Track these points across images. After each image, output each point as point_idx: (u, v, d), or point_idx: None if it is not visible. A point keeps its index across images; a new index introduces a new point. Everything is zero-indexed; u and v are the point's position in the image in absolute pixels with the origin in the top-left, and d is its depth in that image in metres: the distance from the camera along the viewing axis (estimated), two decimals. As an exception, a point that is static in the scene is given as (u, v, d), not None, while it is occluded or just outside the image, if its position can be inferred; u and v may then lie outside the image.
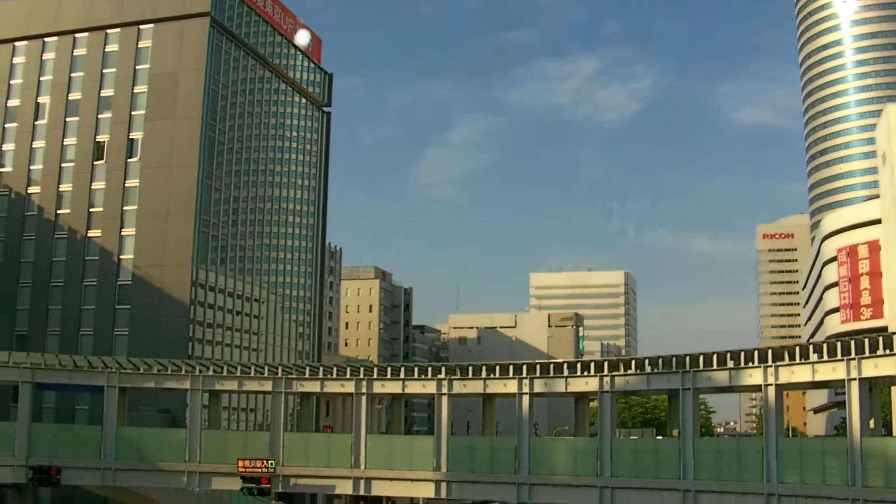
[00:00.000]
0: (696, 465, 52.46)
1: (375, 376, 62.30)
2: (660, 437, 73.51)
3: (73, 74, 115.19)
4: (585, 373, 58.40)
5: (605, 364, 58.88)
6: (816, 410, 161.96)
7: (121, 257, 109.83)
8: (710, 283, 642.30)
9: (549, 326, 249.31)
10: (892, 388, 75.45)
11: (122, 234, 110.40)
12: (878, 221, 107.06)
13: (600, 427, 56.76)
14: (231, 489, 63.38)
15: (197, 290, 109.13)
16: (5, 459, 59.04)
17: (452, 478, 58.62)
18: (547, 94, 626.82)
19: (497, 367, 60.70)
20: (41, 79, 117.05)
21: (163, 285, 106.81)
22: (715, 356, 54.08)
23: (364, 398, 60.74)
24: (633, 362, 58.54)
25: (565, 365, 60.51)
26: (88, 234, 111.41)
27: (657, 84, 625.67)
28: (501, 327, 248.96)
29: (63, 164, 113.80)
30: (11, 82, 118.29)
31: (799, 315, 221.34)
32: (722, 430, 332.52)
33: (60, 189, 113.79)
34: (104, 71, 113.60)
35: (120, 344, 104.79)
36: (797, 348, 52.07)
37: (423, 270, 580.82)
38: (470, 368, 61.97)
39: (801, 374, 50.59)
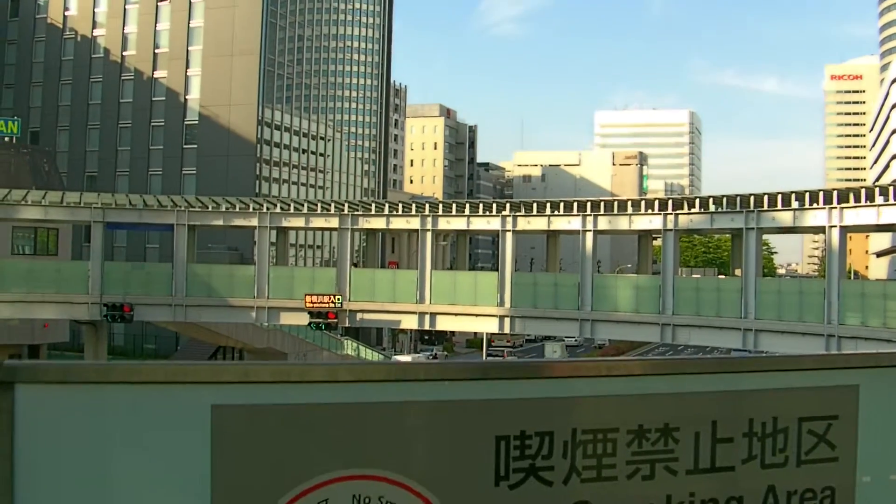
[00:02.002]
0: (757, 304, 52.41)
1: (440, 212, 62.61)
2: (722, 277, 73.59)
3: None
4: (649, 211, 58.31)
5: (669, 202, 58.74)
6: (879, 254, 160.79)
7: (187, 98, 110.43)
8: (776, 124, 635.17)
9: (613, 165, 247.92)
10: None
11: (188, 74, 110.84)
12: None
13: (663, 265, 56.93)
14: (299, 324, 64.59)
15: (263, 129, 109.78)
16: (80, 297, 60.19)
17: (515, 313, 59.20)
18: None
19: (561, 204, 60.78)
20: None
21: (229, 124, 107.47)
22: (779, 196, 53.69)
23: (429, 234, 61.14)
24: (697, 201, 58.40)
25: (629, 202, 60.52)
26: (155, 76, 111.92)
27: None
28: (565, 165, 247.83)
29: (127, 6, 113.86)
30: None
31: (865, 158, 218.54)
32: (784, 271, 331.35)
33: (125, 31, 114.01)
34: None
35: (188, 183, 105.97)
36: (862, 190, 51.51)
37: (488, 109, 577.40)
38: (534, 205, 62.06)
39: (865, 216, 50.21)
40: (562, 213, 59.87)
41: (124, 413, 2.77)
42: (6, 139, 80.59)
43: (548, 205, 60.99)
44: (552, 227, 60.59)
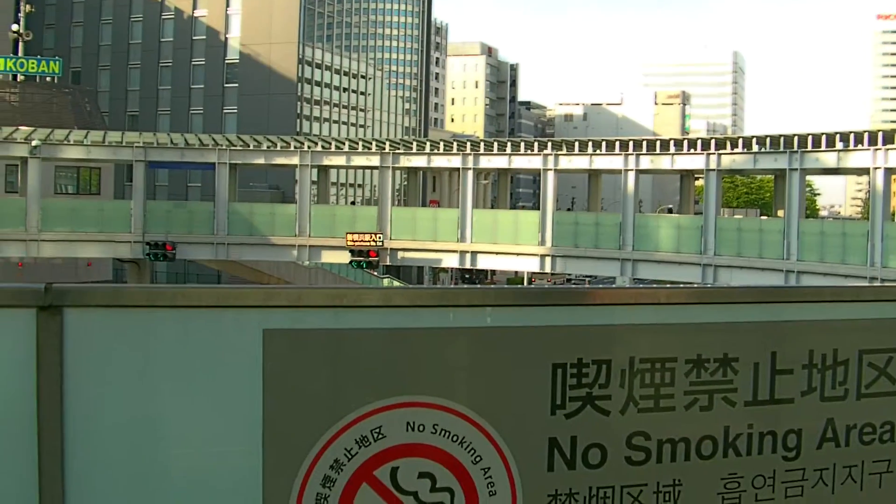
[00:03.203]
0: (799, 246, 52.14)
1: (482, 151, 62.56)
2: (764, 217, 73.25)
3: None
4: (691, 150, 58.05)
5: (712, 142, 58.43)
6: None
7: (227, 36, 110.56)
8: (821, 65, 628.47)
9: (656, 104, 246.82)
10: None
11: (228, 13, 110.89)
12: None
13: (705, 205, 56.69)
14: (340, 262, 64.84)
15: (304, 68, 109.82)
16: (123, 236, 60.66)
17: (556, 252, 59.24)
18: None
19: (603, 143, 60.58)
20: None
21: (270, 63, 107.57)
22: (824, 136, 53.30)
23: (470, 173, 61.14)
24: (741, 141, 58.03)
25: (671, 142, 60.19)
26: (195, 14, 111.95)
27: None
28: (607, 104, 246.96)
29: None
30: None
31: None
32: (826, 213, 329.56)
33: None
34: None
35: (229, 122, 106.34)
36: (908, 130, 51.11)
37: (531, 48, 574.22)
38: (576, 144, 61.94)
39: (911, 157, 49.82)
40: (603, 152, 59.66)
41: (174, 337, 2.73)
42: (48, 79, 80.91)
43: (589, 144, 60.79)
44: (594, 167, 60.45)
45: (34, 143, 58.58)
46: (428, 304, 2.94)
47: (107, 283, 74.20)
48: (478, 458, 2.97)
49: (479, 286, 3.36)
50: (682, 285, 3.01)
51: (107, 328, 2.70)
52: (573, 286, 2.90)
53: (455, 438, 2.93)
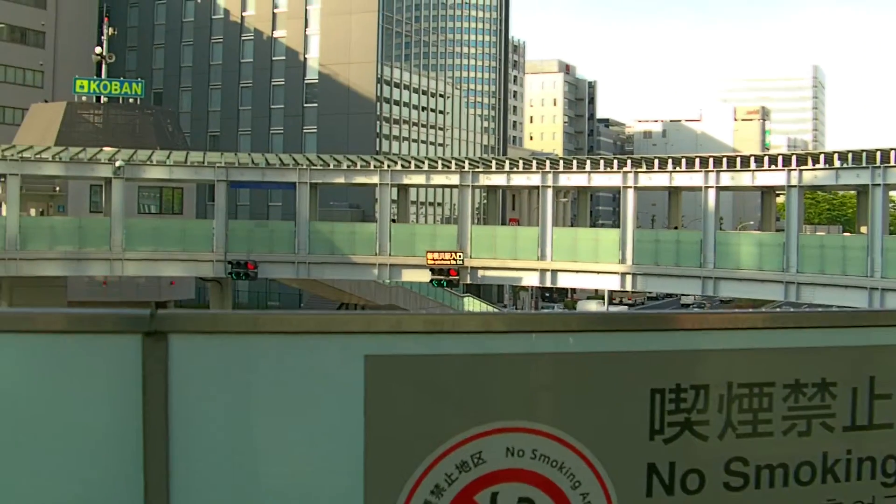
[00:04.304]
0: (883, 263, 51.35)
1: (561, 169, 62.41)
2: (847, 234, 72.34)
3: None
4: (772, 166, 57.41)
5: (793, 157, 57.77)
6: None
7: (307, 56, 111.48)
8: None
9: (735, 120, 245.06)
10: None
11: (307, 33, 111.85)
12: None
13: (787, 222, 56.03)
14: (420, 280, 64.97)
15: (382, 87, 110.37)
16: (205, 255, 61.11)
17: (637, 270, 58.87)
18: None
19: (683, 160, 60.19)
20: None
21: (349, 83, 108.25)
22: (908, 151, 52.50)
23: (550, 191, 60.98)
24: (822, 156, 57.37)
25: (752, 158, 59.65)
26: (274, 35, 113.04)
27: None
28: (686, 121, 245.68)
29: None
30: None
31: None
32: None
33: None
34: None
35: (309, 141, 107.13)
36: None
37: (608, 64, 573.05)
38: (656, 161, 61.61)
39: None
40: (683, 168, 59.27)
41: (276, 363, 2.77)
42: (130, 101, 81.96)
43: (669, 160, 60.44)
44: (674, 184, 60.07)
45: (118, 163, 59.34)
46: (528, 329, 2.95)
47: (188, 303, 74.94)
48: (577, 484, 2.97)
49: (579, 311, 3.32)
50: (778, 310, 2.94)
51: (210, 353, 2.74)
52: (671, 311, 2.87)
53: (554, 464, 2.94)
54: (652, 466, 3.05)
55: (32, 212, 69.39)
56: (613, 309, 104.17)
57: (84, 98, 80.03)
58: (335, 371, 2.79)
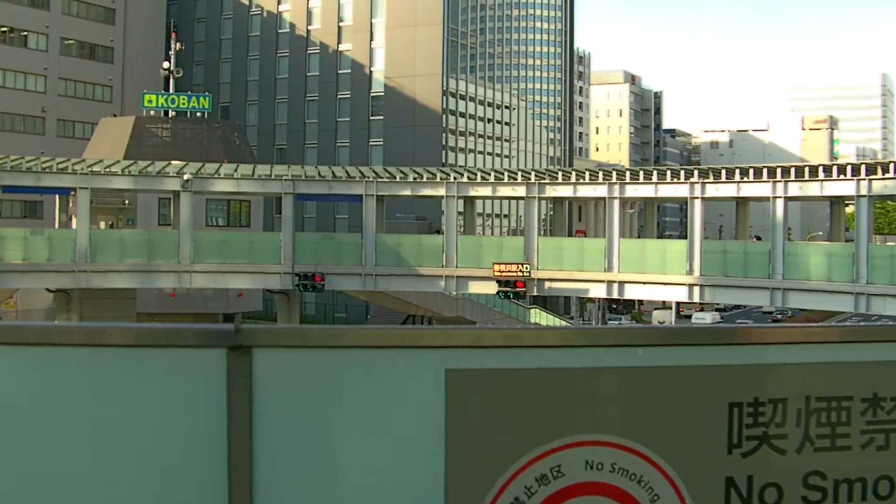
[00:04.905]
0: (958, 272, 50.72)
1: (627, 180, 62.13)
2: (919, 244, 71.50)
3: None
4: (841, 176, 56.80)
5: (863, 167, 57.09)
6: None
7: (372, 69, 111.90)
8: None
9: (803, 129, 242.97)
10: None
11: (372, 46, 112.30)
12: None
13: (856, 232, 55.37)
14: (487, 292, 64.93)
15: (448, 99, 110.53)
16: (272, 267, 61.38)
17: (705, 282, 58.43)
18: None
19: (750, 170, 59.72)
20: None
21: (415, 95, 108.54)
22: (980, 159, 51.84)
23: (616, 202, 60.72)
24: (892, 165, 56.68)
25: (820, 168, 59.07)
26: (340, 48, 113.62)
27: None
28: (753, 130, 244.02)
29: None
30: None
31: None
32: None
33: (310, 6, 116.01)
34: None
35: (375, 154, 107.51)
36: None
37: (674, 74, 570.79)
38: (723, 171, 61.17)
39: None
40: (751, 179, 58.78)
41: (358, 377, 2.81)
42: (198, 114, 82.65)
43: (737, 171, 59.99)
44: (741, 194, 59.59)
45: (186, 177, 59.83)
46: (606, 343, 2.97)
47: (256, 314, 75.25)
48: (655, 497, 2.98)
49: (655, 325, 3.34)
50: (857, 323, 2.93)
51: (293, 368, 2.79)
52: (749, 325, 2.88)
53: (633, 477, 2.96)
54: (730, 480, 3.06)
55: (102, 225, 70.18)
56: (703, 315, 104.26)
57: (152, 112, 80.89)
58: (417, 385, 2.83)
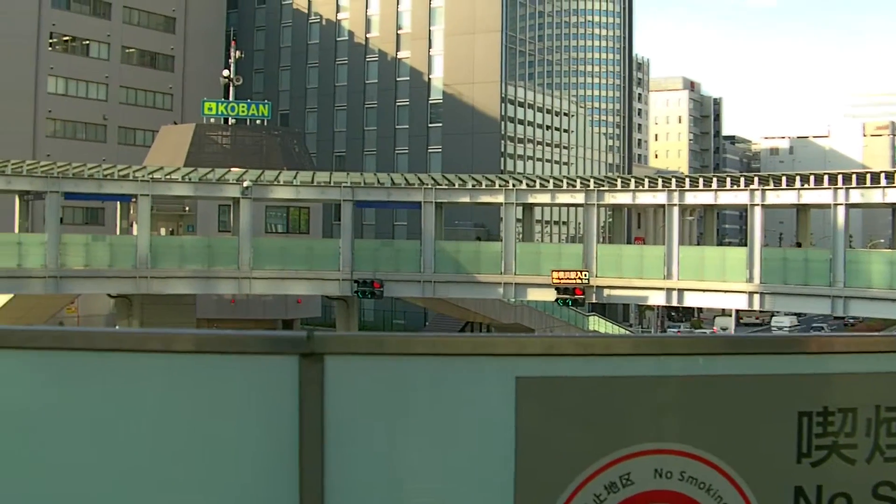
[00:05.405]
0: None
1: (687, 187, 61.76)
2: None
3: None
4: (904, 182, 56.30)
5: (926, 173, 56.62)
6: None
7: (430, 77, 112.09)
8: None
9: (864, 136, 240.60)
10: None
11: (431, 53, 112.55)
12: None
13: (921, 239, 54.93)
14: (545, 300, 64.79)
15: (507, 106, 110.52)
16: (331, 274, 61.50)
17: (765, 289, 57.92)
18: None
19: (811, 177, 59.23)
20: None
21: (473, 102, 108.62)
22: None
23: (676, 209, 60.38)
24: (957, 171, 56.05)
25: (882, 174, 58.49)
26: (398, 56, 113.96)
27: None
28: (814, 137, 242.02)
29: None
30: None
31: None
32: None
33: (368, 14, 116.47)
34: None
35: (434, 161, 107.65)
36: None
37: (733, 80, 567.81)
38: (783, 178, 60.70)
39: None
40: (812, 186, 58.25)
41: (429, 384, 2.84)
42: (257, 122, 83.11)
43: (797, 177, 59.51)
44: (802, 201, 59.08)
45: (245, 184, 60.14)
46: (675, 351, 2.98)
47: (314, 320, 75.47)
48: (724, 506, 2.98)
49: (725, 334, 3.34)
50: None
51: (365, 375, 2.82)
52: (819, 334, 2.85)
53: (702, 486, 2.96)
54: (799, 490, 3.05)
55: (163, 231, 70.75)
56: (781, 320, 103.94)
57: (212, 120, 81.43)
58: (487, 392, 2.85)
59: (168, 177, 61.82)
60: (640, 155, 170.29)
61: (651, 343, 2.98)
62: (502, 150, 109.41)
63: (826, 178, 58.32)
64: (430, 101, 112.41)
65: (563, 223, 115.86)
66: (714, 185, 61.02)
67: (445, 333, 2.94)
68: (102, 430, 2.76)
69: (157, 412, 2.79)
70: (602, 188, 62.56)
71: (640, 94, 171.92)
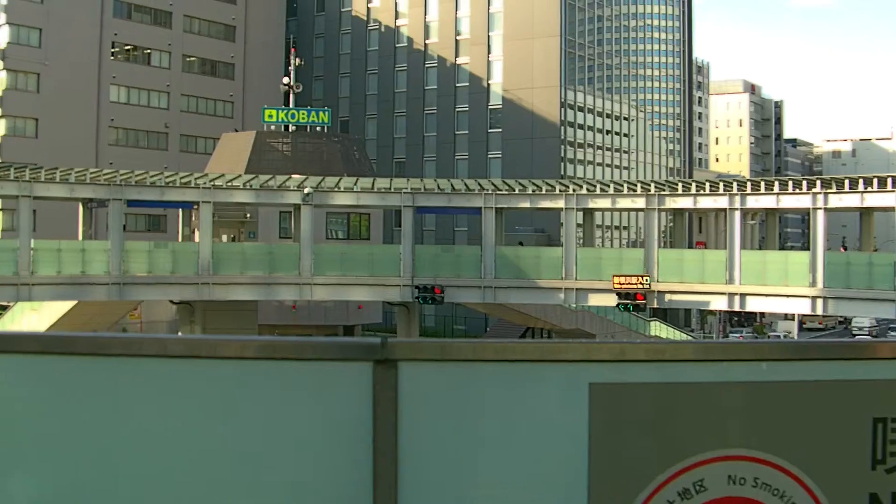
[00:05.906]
0: None
1: (749, 191, 61.32)
2: None
3: None
4: (968, 184, 55.58)
5: None
6: None
7: (490, 82, 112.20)
8: None
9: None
10: None
11: (490, 59, 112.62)
12: None
13: None
14: (606, 305, 64.58)
15: (566, 111, 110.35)
16: (392, 280, 61.61)
17: (828, 294, 57.36)
18: None
19: (875, 180, 58.57)
20: None
21: (532, 107, 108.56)
22: None
23: (737, 213, 59.91)
24: None
25: (948, 176, 57.81)
26: (457, 62, 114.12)
27: None
28: (877, 139, 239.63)
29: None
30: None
31: None
32: None
33: (427, 20, 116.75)
34: None
35: (494, 166, 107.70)
36: None
37: (794, 82, 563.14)
38: (846, 181, 60.08)
39: None
40: (875, 189, 57.59)
41: (501, 390, 2.84)
42: (318, 129, 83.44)
43: (860, 180, 58.86)
44: (865, 204, 58.44)
45: (306, 190, 60.37)
46: (744, 357, 2.96)
47: (375, 326, 75.68)
48: (798, 513, 2.96)
49: (790, 339, 3.30)
50: None
51: (438, 381, 2.84)
52: (890, 339, 2.85)
53: (776, 492, 2.94)
54: (874, 497, 3.02)
55: (224, 238, 71.13)
56: (862, 321, 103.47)
57: (273, 127, 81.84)
58: (560, 399, 2.85)
59: (229, 184, 62.25)
60: (700, 159, 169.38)
61: (720, 349, 2.98)
62: (562, 155, 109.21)
63: (889, 180, 57.59)
64: (490, 107, 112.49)
65: (624, 228, 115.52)
66: (776, 189, 60.49)
67: (517, 340, 2.94)
68: (176, 437, 2.80)
69: (232, 418, 2.82)
70: (663, 192, 62.26)
71: (700, 98, 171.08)
